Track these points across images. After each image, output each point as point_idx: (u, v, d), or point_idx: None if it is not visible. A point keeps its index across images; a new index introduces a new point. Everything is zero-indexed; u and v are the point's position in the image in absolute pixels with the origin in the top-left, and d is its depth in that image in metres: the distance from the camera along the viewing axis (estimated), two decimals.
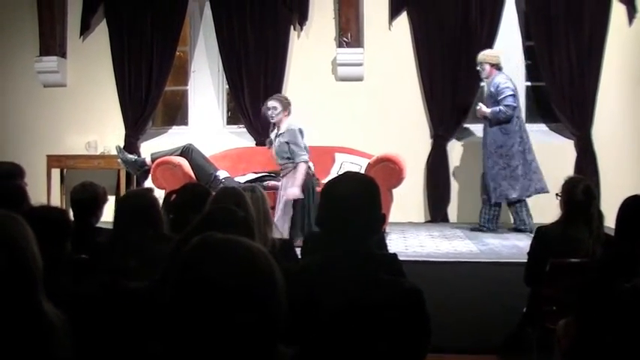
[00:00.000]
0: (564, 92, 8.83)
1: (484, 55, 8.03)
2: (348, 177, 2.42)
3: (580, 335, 2.58)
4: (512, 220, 8.22)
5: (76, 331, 1.94)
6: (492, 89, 7.84)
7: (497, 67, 7.95)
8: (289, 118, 7.30)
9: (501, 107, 7.69)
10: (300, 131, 7.12)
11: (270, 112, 7.26)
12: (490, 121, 7.84)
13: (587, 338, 2.48)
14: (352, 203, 2.26)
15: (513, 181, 7.81)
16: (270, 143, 7.48)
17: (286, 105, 7.31)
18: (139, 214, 3.43)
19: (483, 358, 5.27)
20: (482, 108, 7.90)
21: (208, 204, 3.55)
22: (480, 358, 5.28)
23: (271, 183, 7.47)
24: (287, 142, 7.05)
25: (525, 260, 4.71)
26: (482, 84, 8.53)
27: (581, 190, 4.42)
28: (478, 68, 8.04)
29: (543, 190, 7.78)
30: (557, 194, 4.55)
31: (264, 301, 1.48)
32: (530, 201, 7.99)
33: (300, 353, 1.61)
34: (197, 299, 1.44)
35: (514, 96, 7.76)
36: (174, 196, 3.98)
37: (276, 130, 7.36)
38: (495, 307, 5.54)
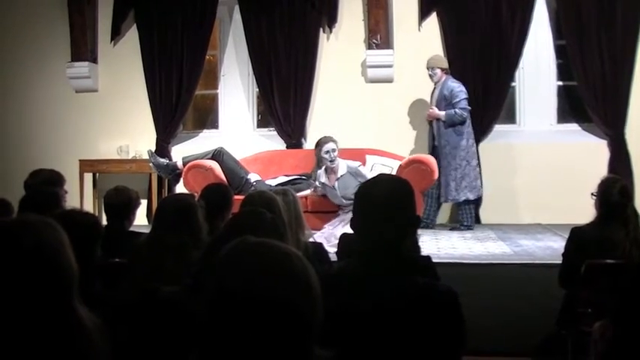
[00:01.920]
0: (596, 91, 8.72)
1: (435, 60, 8.38)
2: (382, 179, 2.42)
3: (617, 338, 2.55)
4: (457, 218, 8.43)
5: (111, 336, 1.94)
6: (446, 93, 8.19)
7: (446, 71, 8.36)
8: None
9: (457, 110, 8.09)
10: (361, 167, 7.06)
11: (331, 155, 7.02)
12: (444, 123, 8.13)
13: (624, 342, 2.44)
14: (387, 205, 2.25)
15: (474, 180, 8.17)
16: (322, 187, 7.21)
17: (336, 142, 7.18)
18: (177, 217, 3.44)
19: None
20: (435, 111, 8.21)
21: (239, 207, 3.56)
22: None
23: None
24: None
25: (559, 262, 4.66)
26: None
27: (617, 190, 4.36)
28: (430, 73, 8.37)
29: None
30: (592, 194, 4.49)
31: (301, 306, 1.47)
32: (563, 201, 7.95)
33: (337, 356, 1.60)
34: (234, 305, 1.44)
35: (467, 99, 8.15)
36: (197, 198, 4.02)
37: (327, 175, 7.12)
38: (529, 309, 5.49)
